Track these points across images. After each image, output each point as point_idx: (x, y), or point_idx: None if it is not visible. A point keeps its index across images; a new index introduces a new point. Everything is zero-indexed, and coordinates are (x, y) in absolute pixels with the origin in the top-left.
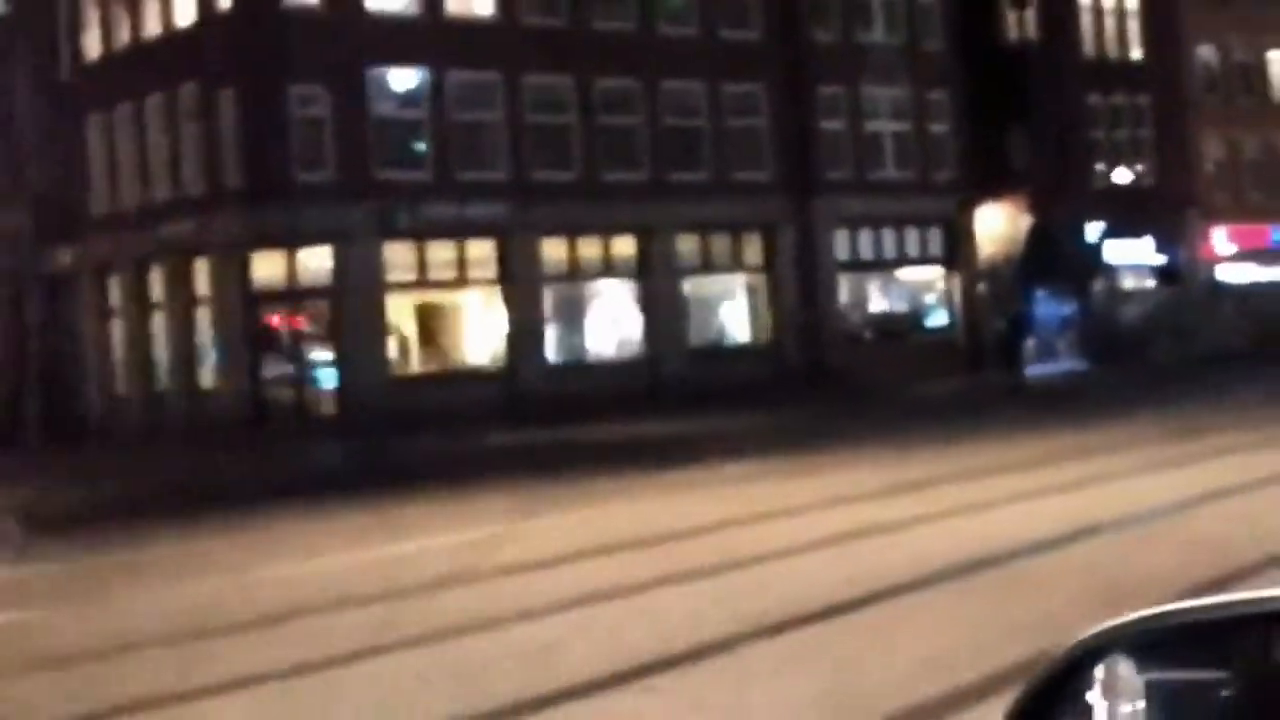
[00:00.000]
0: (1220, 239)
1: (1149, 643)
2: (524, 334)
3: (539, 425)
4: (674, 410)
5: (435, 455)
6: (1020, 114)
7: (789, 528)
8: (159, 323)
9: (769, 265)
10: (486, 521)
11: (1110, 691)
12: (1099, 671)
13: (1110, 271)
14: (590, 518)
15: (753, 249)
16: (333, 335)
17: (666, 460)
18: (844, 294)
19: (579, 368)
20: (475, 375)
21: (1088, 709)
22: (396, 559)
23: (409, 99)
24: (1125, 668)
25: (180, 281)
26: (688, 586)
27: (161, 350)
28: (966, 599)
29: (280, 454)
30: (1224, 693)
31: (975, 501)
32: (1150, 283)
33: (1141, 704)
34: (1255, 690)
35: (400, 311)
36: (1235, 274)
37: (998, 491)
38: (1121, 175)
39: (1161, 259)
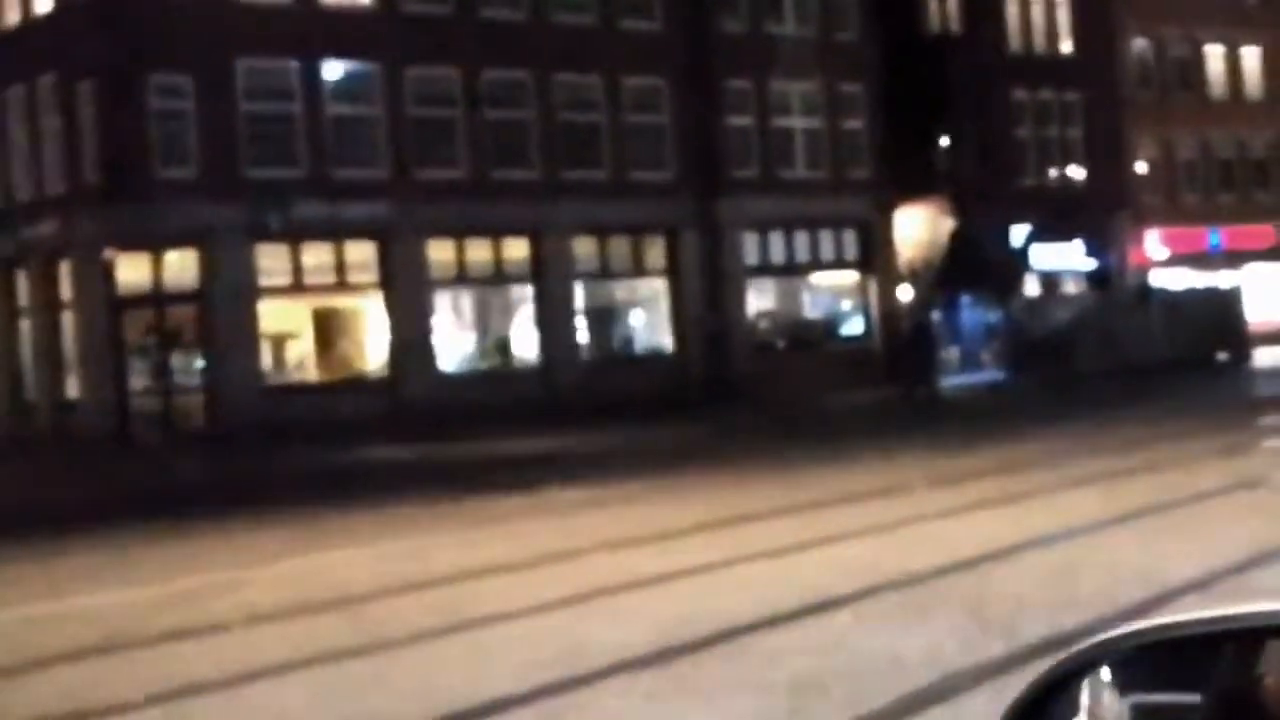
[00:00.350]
0: (1153, 242)
1: (1129, 661)
2: (409, 342)
3: (419, 439)
4: (565, 424)
5: (285, 473)
6: (942, 110)
7: (546, 578)
8: (26, 329)
9: (672, 270)
10: (236, 562)
11: (1094, 717)
12: (1083, 695)
13: (1038, 277)
14: (341, 560)
15: (655, 253)
16: (201, 342)
17: (505, 483)
18: (753, 300)
19: (469, 378)
20: (358, 385)
21: None
22: (60, 617)
23: (281, 92)
24: (1108, 690)
25: (45, 286)
26: (330, 672)
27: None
28: (640, 700)
29: (122, 470)
30: (1201, 716)
31: (781, 545)
32: (1076, 288)
33: None
34: (1231, 712)
35: (276, 317)
36: (1169, 279)
37: (816, 530)
38: (1050, 175)
39: (1092, 263)
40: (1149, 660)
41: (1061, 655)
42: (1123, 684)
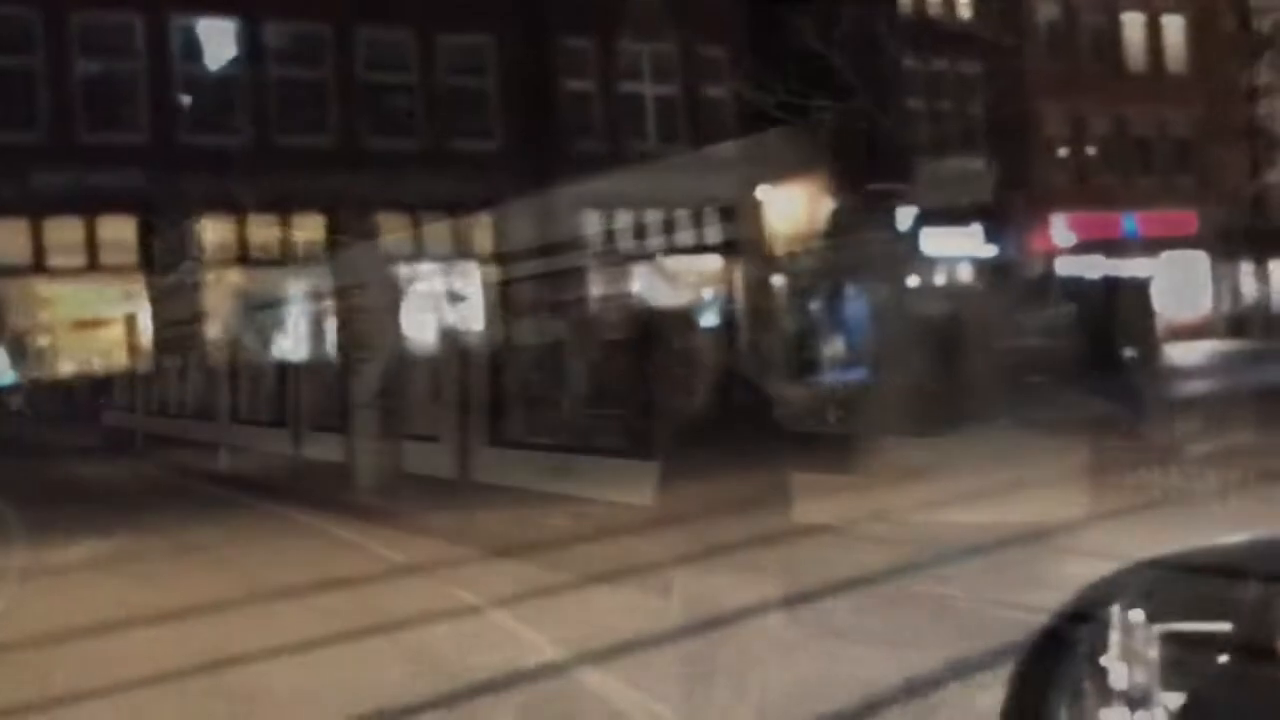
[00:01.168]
0: (1060, 228)
1: (1154, 591)
2: (172, 335)
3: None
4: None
5: None
6: (820, 78)
7: None
8: None
9: (499, 253)
10: None
11: (1125, 648)
12: (1112, 628)
13: (928, 264)
14: None
15: (479, 233)
16: None
17: None
18: (595, 288)
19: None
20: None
21: (1100, 669)
22: None
23: (19, 44)
24: (1140, 627)
25: None
26: None
27: None
28: None
29: None
30: (1227, 647)
31: None
32: (962, 278)
33: (1154, 655)
34: (1256, 642)
35: (12, 304)
36: (1078, 268)
37: None
38: (944, 153)
39: (991, 250)
40: (1178, 590)
41: (1086, 585)
42: (1152, 612)
